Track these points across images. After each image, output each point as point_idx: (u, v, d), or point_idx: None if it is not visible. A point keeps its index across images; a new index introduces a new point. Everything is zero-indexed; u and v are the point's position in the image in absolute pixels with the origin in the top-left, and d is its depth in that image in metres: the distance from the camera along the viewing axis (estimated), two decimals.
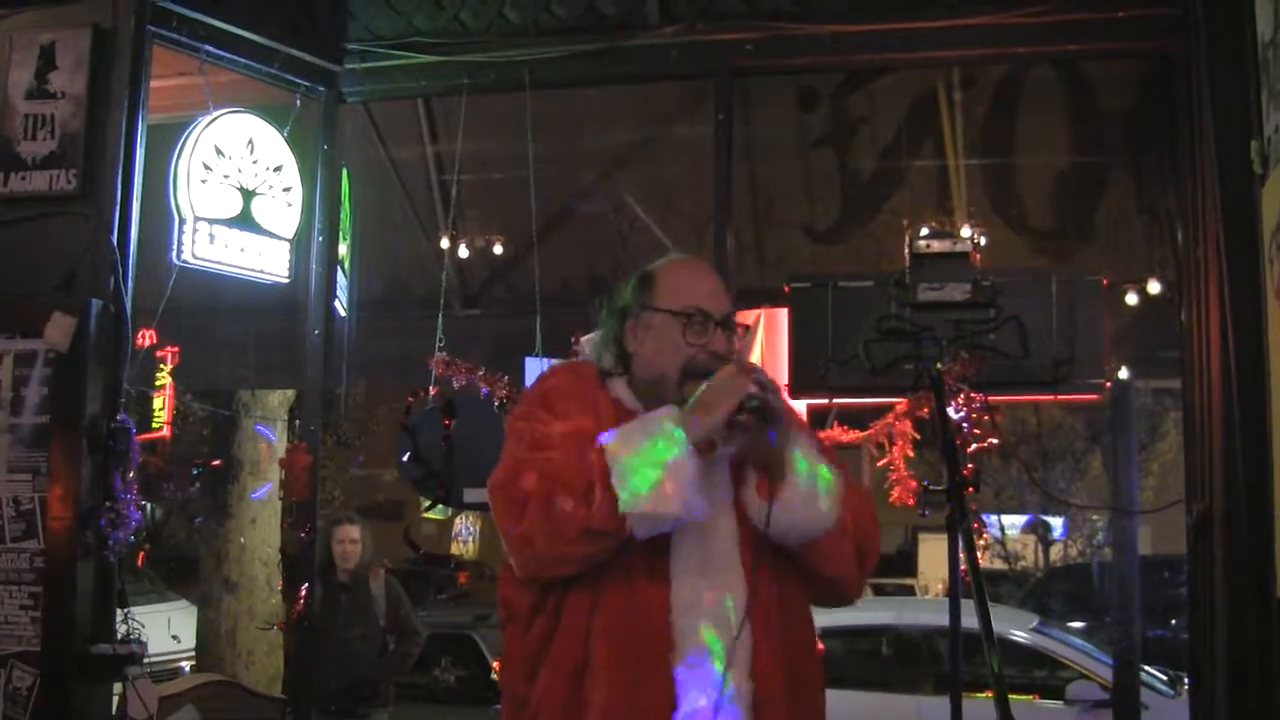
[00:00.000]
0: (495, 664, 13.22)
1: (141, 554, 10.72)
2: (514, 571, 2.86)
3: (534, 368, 7.10)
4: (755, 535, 2.86)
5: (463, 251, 8.89)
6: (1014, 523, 27.47)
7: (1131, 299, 8.07)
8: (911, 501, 6.24)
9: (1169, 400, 19.07)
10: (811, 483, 2.84)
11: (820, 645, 6.05)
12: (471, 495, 6.78)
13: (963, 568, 2.93)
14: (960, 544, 2.96)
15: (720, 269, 6.82)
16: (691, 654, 2.75)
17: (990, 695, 2.64)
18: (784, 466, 2.83)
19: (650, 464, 2.66)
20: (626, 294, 3.07)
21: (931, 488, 3.04)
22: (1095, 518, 22.42)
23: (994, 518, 24.51)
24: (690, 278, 3.06)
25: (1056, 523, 27.14)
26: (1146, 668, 8.98)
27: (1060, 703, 8.54)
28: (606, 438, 2.74)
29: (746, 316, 6.79)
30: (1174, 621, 14.34)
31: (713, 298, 3.00)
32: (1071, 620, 16.19)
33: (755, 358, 6.66)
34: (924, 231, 6.44)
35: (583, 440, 2.78)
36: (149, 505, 16.27)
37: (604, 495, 2.67)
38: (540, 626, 2.85)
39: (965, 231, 6.69)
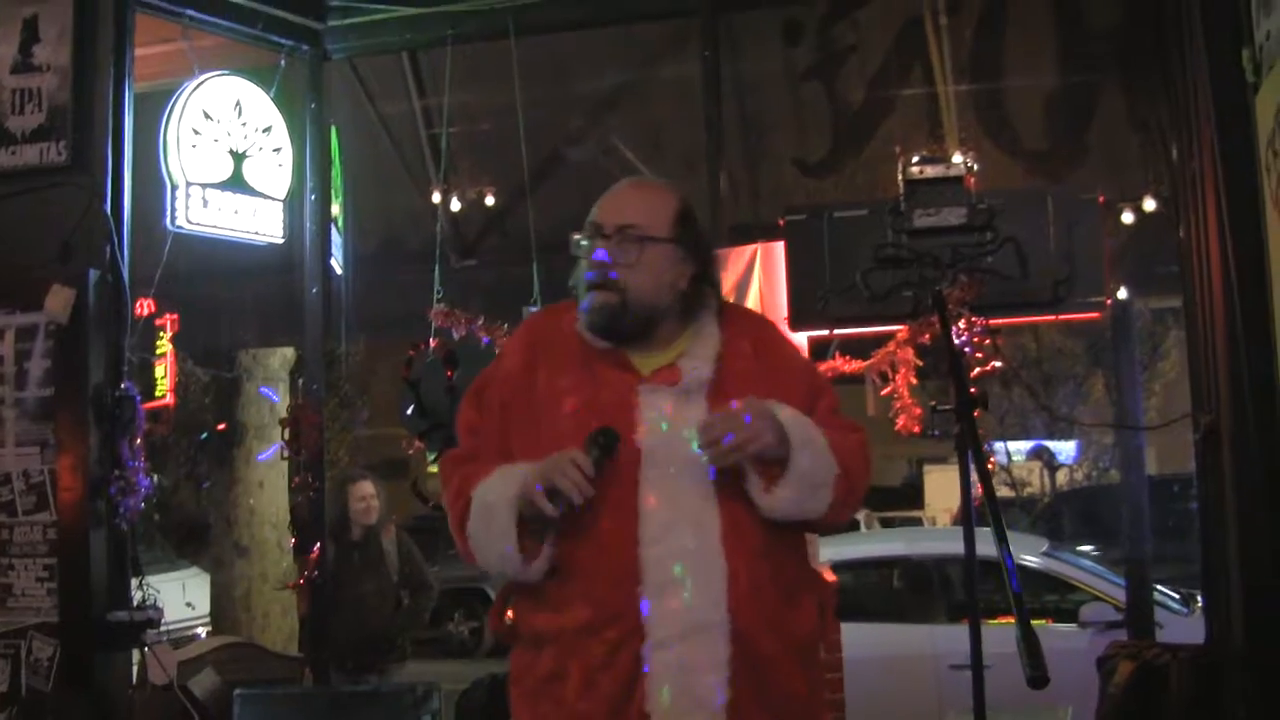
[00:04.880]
0: None
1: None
2: None
3: None
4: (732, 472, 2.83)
5: (454, 204, 8.86)
6: (1018, 449, 27.53)
7: (1127, 218, 8.03)
8: (917, 429, 6.22)
9: (1170, 319, 19.07)
10: (802, 484, 2.80)
11: (832, 576, 6.10)
12: None
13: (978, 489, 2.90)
14: (971, 463, 2.94)
15: (713, 208, 6.84)
16: (659, 584, 2.73)
17: (1005, 621, 2.60)
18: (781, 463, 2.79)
19: (491, 537, 2.84)
20: None
21: (940, 407, 3.03)
22: (1109, 439, 22.47)
23: (999, 445, 24.56)
24: (605, 195, 3.00)
25: (1063, 446, 27.19)
26: (1159, 587, 8.99)
27: (1074, 625, 8.55)
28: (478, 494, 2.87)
29: (742, 253, 6.76)
30: (1183, 540, 14.35)
31: (607, 210, 2.94)
32: (1081, 544, 16.19)
33: (753, 294, 6.64)
34: (916, 158, 6.41)
35: (491, 446, 2.95)
36: (155, 475, 16.29)
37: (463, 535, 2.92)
38: None
39: (957, 157, 6.66)
